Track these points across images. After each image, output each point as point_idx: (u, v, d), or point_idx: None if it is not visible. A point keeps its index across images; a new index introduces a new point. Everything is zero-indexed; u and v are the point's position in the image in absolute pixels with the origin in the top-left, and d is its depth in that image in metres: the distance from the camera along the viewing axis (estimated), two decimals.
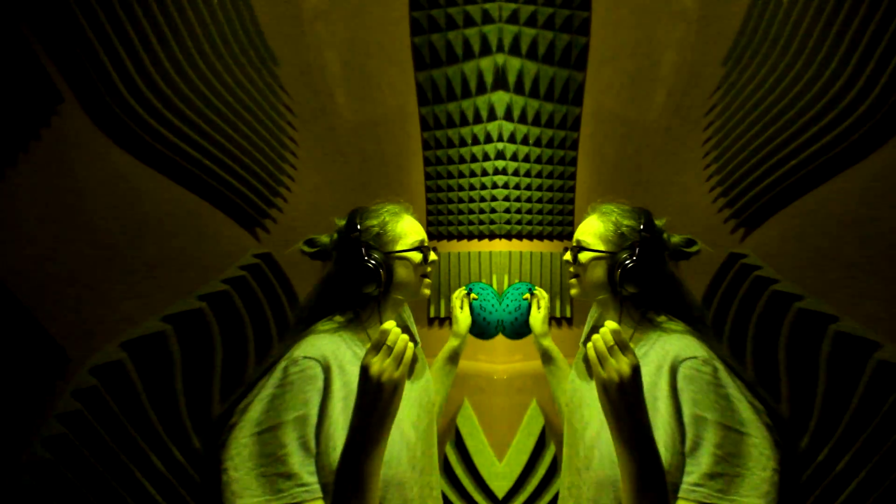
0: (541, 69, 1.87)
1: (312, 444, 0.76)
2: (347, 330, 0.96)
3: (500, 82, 1.84)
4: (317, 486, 0.74)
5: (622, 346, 0.72)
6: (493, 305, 1.33)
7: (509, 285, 1.49)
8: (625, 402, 0.70)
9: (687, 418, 0.76)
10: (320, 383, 0.81)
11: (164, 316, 1.22)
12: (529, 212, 2.13)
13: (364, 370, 0.73)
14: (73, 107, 1.12)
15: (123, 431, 1.11)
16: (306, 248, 1.00)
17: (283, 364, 0.82)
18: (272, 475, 0.72)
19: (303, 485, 0.73)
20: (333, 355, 0.87)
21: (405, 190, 1.91)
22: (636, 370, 0.70)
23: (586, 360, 1.04)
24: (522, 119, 1.92)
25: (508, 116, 1.91)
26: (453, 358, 1.30)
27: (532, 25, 1.80)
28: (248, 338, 1.39)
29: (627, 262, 0.89)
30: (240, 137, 1.42)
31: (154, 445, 1.16)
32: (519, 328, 1.35)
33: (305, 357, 0.82)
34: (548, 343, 1.29)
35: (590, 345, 0.76)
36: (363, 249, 0.92)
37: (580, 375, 1.07)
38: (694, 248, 0.97)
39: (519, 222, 2.07)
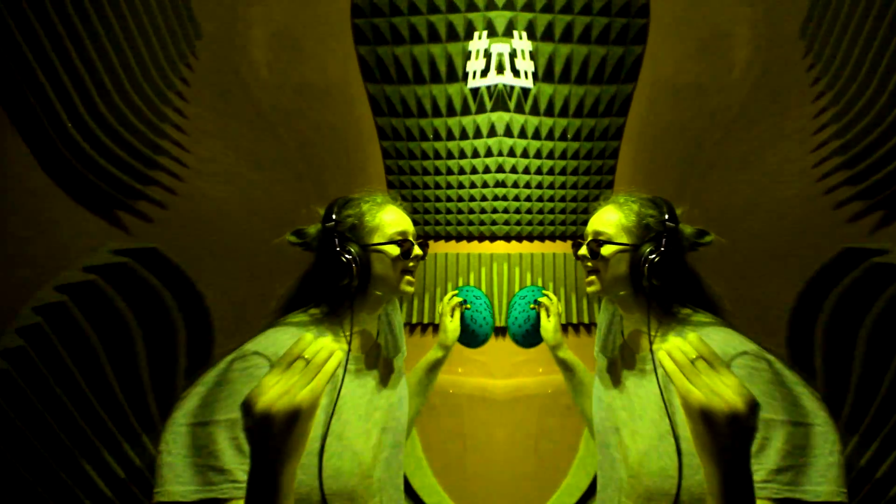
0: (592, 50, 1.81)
1: (247, 447, 0.68)
2: (321, 324, 0.91)
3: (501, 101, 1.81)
4: None
5: (713, 361, 0.64)
6: (484, 318, 1.24)
7: (516, 292, 1.38)
8: (739, 438, 0.60)
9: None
10: None
11: None
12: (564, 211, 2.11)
13: (246, 405, 0.60)
14: None
15: None
16: (293, 239, 0.95)
17: (231, 356, 0.77)
18: (205, 467, 0.69)
19: (235, 481, 0.69)
20: None
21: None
22: (753, 408, 0.60)
23: (611, 369, 0.99)
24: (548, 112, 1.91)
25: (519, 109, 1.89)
26: (433, 369, 1.19)
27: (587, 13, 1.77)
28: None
29: (654, 255, 0.85)
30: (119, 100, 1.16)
31: None
32: (531, 338, 1.25)
33: (255, 353, 0.76)
34: (564, 354, 1.19)
35: (663, 354, 0.68)
36: (337, 241, 0.88)
37: (607, 385, 1.00)
38: (706, 240, 0.93)
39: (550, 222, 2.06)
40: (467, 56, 1.77)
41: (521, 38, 1.69)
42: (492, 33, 1.74)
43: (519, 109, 1.92)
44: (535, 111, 1.95)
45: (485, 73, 1.74)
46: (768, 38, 1.53)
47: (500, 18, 1.73)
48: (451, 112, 1.95)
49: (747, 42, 1.62)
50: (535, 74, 1.74)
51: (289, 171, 1.76)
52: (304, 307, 0.93)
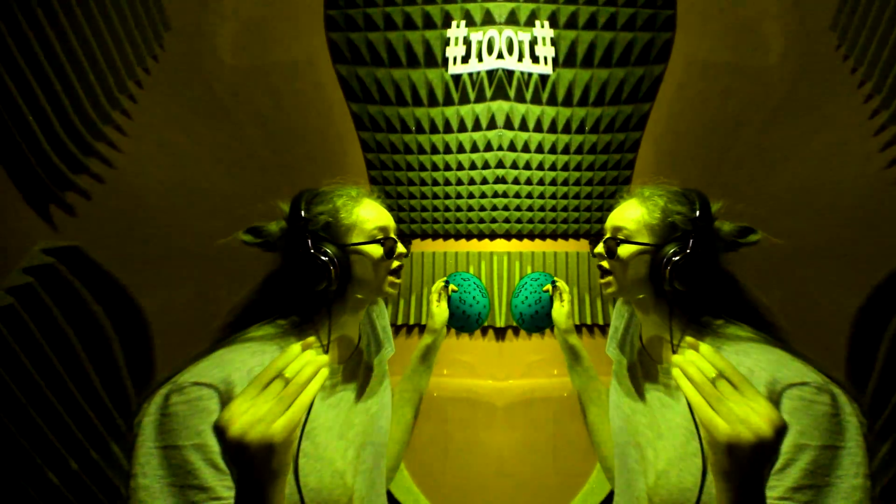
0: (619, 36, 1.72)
1: (223, 464, 0.65)
2: (288, 337, 0.80)
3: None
4: None
5: (737, 380, 0.58)
6: (474, 298, 1.22)
7: (527, 274, 1.35)
8: (760, 464, 0.57)
9: (785, 446, 0.66)
10: (215, 416, 0.63)
11: None
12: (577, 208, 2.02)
13: (218, 430, 0.55)
14: None
15: None
16: (248, 239, 0.83)
17: (164, 389, 0.67)
18: (184, 487, 0.63)
19: (219, 498, 0.63)
20: (248, 375, 0.70)
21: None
22: (781, 433, 0.56)
23: (631, 375, 0.92)
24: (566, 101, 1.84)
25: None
26: (426, 357, 1.14)
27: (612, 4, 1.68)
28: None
29: (677, 256, 0.76)
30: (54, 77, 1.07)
31: None
32: (539, 321, 1.23)
33: (194, 384, 0.66)
34: (574, 340, 1.15)
35: (677, 372, 0.62)
36: (310, 241, 0.78)
37: (627, 392, 0.93)
38: (751, 239, 0.81)
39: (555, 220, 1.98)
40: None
41: (542, 26, 1.65)
42: (488, 20, 1.71)
43: (519, 98, 1.81)
44: (552, 101, 1.80)
45: (466, 59, 1.71)
46: (798, 28, 1.51)
47: (498, 9, 1.70)
48: (449, 101, 1.81)
49: (779, 31, 1.58)
50: (555, 60, 1.68)
51: (254, 164, 1.66)
52: (268, 318, 0.82)
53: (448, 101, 1.83)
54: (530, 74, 1.73)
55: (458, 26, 1.70)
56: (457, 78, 1.75)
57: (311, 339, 0.64)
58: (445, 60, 1.73)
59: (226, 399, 0.67)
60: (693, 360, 0.60)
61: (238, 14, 1.56)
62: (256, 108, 1.65)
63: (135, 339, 1.29)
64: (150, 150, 1.34)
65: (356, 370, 0.90)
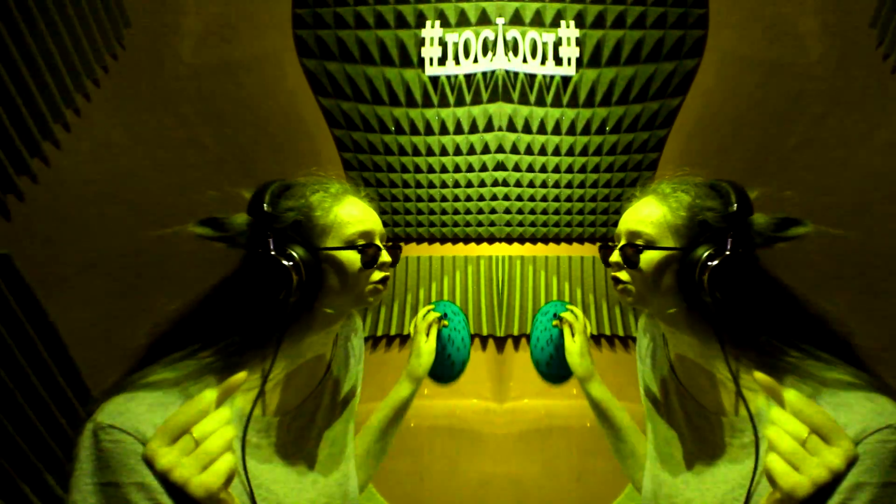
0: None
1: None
2: (205, 377, 0.63)
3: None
4: None
5: (829, 433, 0.52)
6: (462, 340, 1.01)
7: (539, 308, 1.11)
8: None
9: (842, 486, 0.55)
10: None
11: None
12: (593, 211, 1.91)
13: (147, 464, 0.51)
14: None
15: None
16: (205, 232, 0.66)
17: (91, 424, 0.57)
18: None
19: None
20: (154, 429, 0.56)
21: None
22: (840, 478, 0.52)
23: (668, 418, 0.78)
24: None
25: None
26: (400, 412, 0.93)
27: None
28: None
29: (714, 260, 0.62)
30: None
31: None
32: (555, 368, 1.00)
33: (111, 426, 0.56)
34: (597, 391, 0.93)
35: (773, 457, 0.53)
36: (271, 241, 0.64)
37: (665, 446, 0.78)
38: (794, 232, 0.65)
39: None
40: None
41: (567, 26, 1.61)
42: (482, 21, 1.65)
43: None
44: (573, 102, 1.69)
45: (441, 60, 1.66)
46: (837, 25, 1.48)
47: (493, 6, 1.64)
48: (445, 103, 1.70)
49: (818, 28, 1.54)
50: (579, 61, 1.63)
51: (210, 164, 1.57)
52: (194, 343, 0.66)
53: (459, 102, 1.72)
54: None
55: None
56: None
57: (240, 376, 0.53)
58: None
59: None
60: (788, 425, 0.53)
61: (201, 12, 1.52)
62: (218, 107, 1.56)
63: (55, 358, 1.19)
64: (94, 150, 1.26)
65: (315, 413, 0.75)
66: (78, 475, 0.55)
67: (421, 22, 1.60)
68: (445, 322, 0.99)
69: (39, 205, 1.14)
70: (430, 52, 1.61)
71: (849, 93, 1.47)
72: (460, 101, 1.69)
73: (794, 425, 0.52)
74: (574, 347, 0.93)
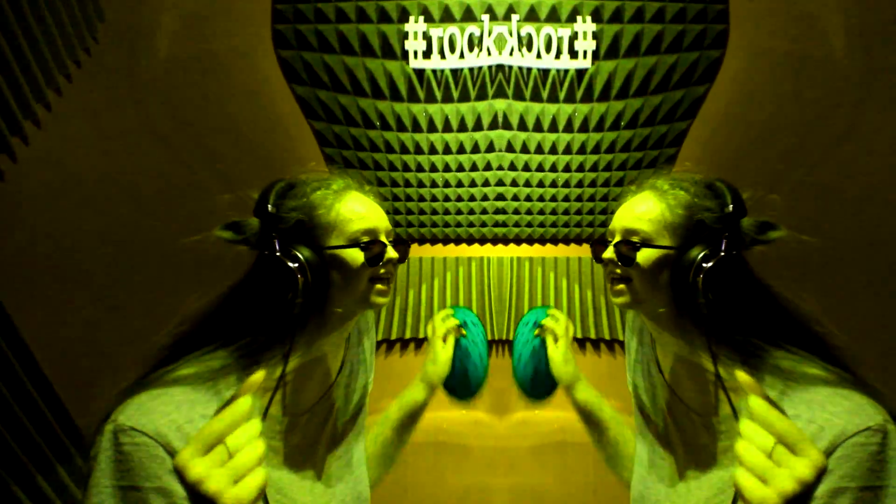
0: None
1: None
2: (229, 375, 0.64)
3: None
4: None
5: (803, 448, 0.51)
6: (480, 356, 0.95)
7: (520, 319, 1.04)
8: None
9: (820, 492, 0.56)
10: (168, 462, 0.55)
11: None
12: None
13: (178, 473, 0.51)
14: None
15: None
16: (228, 236, 0.68)
17: (110, 426, 0.57)
18: None
19: None
20: (179, 432, 0.57)
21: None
22: (819, 474, 0.52)
23: (656, 417, 0.78)
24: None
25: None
26: (410, 421, 0.91)
27: None
28: None
29: (709, 261, 0.64)
30: None
31: None
32: (539, 383, 0.95)
33: (132, 428, 0.56)
34: (583, 394, 0.91)
35: (740, 470, 0.53)
36: (277, 243, 0.65)
37: (652, 448, 0.79)
38: (771, 236, 0.67)
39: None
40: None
41: (584, 20, 1.60)
42: (467, 17, 1.63)
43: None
44: (587, 97, 1.63)
45: (425, 54, 1.64)
46: (862, 21, 1.44)
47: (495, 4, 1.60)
48: (448, 99, 1.65)
49: (841, 24, 1.49)
50: (595, 53, 1.61)
51: (177, 160, 1.54)
52: (214, 342, 0.66)
53: (463, 98, 1.68)
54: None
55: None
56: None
57: (258, 375, 0.54)
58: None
59: (168, 450, 0.56)
60: (756, 436, 0.52)
61: (176, 6, 1.50)
62: (193, 103, 1.54)
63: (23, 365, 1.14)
64: (61, 144, 1.23)
65: (328, 414, 0.75)
66: (97, 477, 0.56)
67: (404, 18, 1.58)
68: (464, 332, 0.94)
69: (4, 202, 1.08)
70: (428, 45, 1.62)
71: (878, 92, 1.43)
72: (464, 97, 1.66)
73: (761, 436, 0.52)
74: (557, 355, 0.90)
